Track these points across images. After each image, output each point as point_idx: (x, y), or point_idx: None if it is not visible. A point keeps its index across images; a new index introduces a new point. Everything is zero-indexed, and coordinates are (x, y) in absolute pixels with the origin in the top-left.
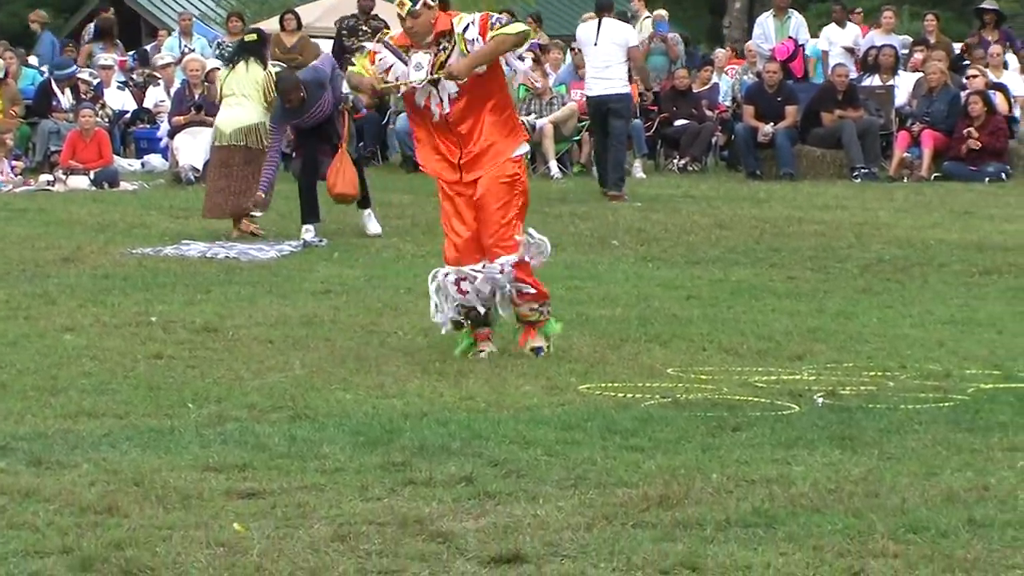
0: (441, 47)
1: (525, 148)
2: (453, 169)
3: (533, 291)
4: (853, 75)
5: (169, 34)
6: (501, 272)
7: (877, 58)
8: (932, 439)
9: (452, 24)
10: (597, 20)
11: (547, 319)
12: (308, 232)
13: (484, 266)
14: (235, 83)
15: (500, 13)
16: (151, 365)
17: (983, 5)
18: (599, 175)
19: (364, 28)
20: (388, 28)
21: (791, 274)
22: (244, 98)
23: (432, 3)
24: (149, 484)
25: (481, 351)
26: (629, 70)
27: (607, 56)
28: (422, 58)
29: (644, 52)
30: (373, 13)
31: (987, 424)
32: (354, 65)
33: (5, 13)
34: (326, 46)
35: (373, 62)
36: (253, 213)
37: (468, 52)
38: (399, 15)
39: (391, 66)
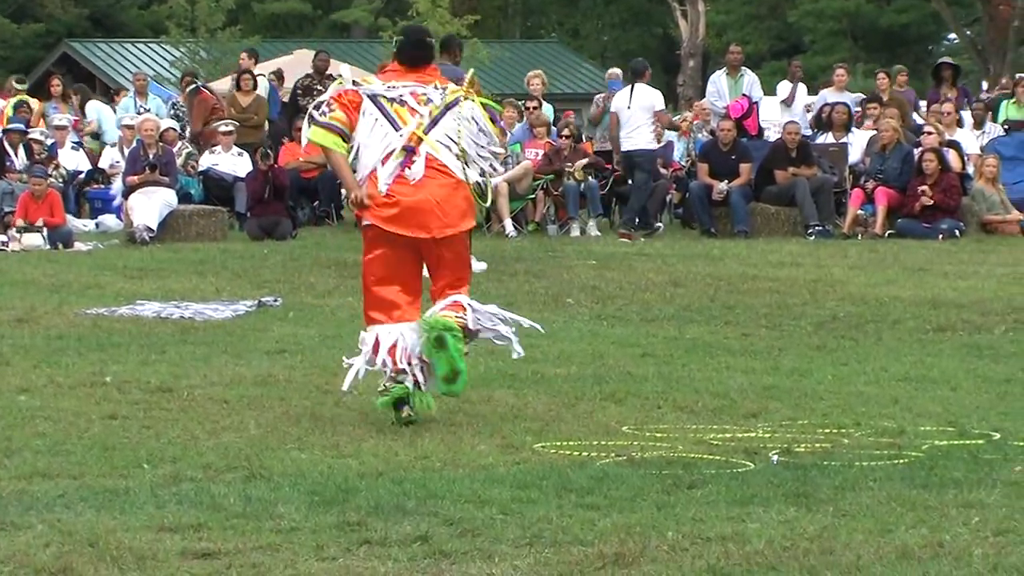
0: None
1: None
2: None
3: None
4: (806, 132)
5: (124, 94)
6: None
7: (830, 116)
8: (887, 496)
9: None
10: (631, 86)
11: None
12: None
13: None
14: None
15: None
16: (106, 426)
17: (942, 60)
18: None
19: (319, 87)
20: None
21: (745, 331)
22: None
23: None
24: (104, 545)
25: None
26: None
27: (637, 118)
28: None
29: (600, 112)
30: (328, 73)
31: (941, 481)
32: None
33: None
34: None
35: None
36: None
37: None
38: None
39: None
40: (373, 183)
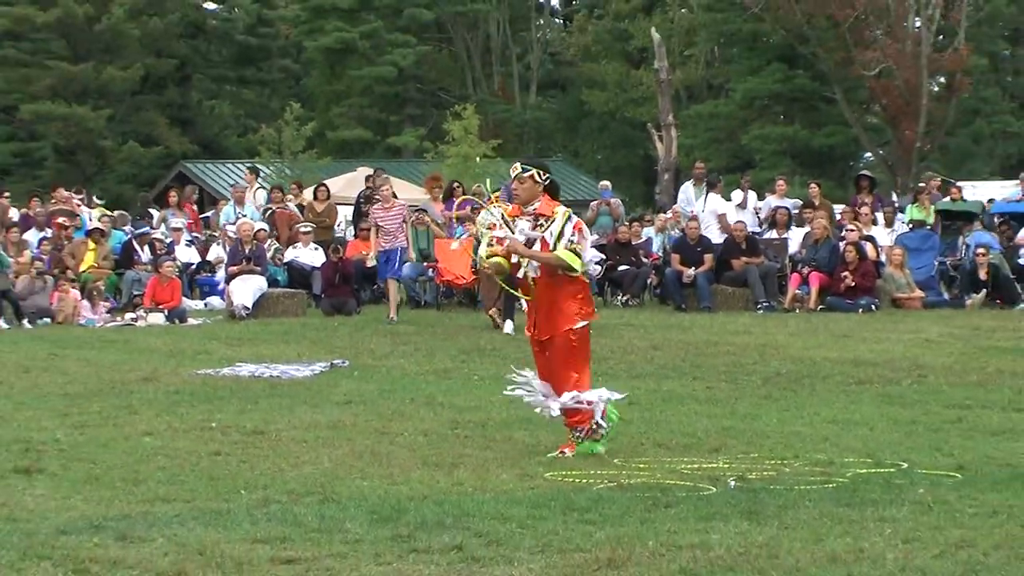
0: (539, 223)
1: (583, 323)
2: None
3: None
4: (755, 229)
5: (225, 203)
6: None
7: (774, 217)
8: (819, 513)
9: (553, 212)
10: (706, 193)
11: (581, 441)
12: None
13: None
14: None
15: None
16: (212, 461)
17: (861, 173)
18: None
19: (377, 196)
20: (395, 196)
21: (709, 385)
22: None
23: (539, 180)
24: (210, 554)
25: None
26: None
27: (707, 219)
28: (525, 226)
29: (593, 216)
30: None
31: (862, 501)
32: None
33: (98, 188)
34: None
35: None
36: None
37: (556, 237)
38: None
39: (504, 236)
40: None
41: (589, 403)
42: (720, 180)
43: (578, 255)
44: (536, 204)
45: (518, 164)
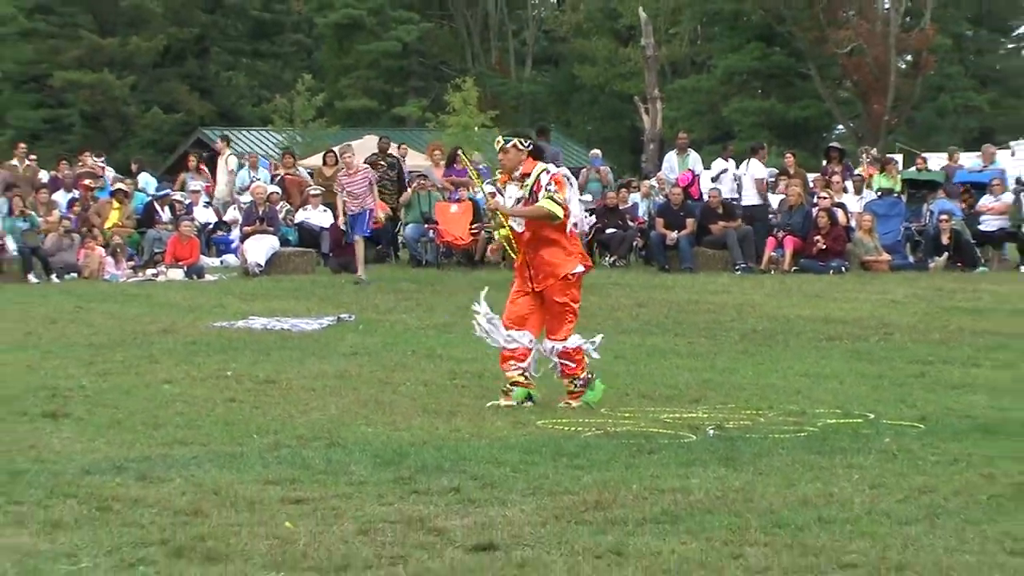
0: (524, 184)
1: (579, 268)
2: (525, 281)
3: (572, 366)
4: (734, 196)
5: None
6: (551, 351)
7: None
8: (792, 460)
9: (532, 170)
10: (748, 160)
11: (583, 391)
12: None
13: (546, 346)
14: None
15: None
16: (227, 407)
17: (830, 144)
18: None
19: (382, 162)
20: (401, 162)
21: (690, 340)
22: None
23: (521, 147)
24: (224, 494)
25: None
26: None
27: (748, 183)
28: (514, 191)
29: (583, 182)
30: (389, 152)
31: (832, 449)
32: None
33: (121, 153)
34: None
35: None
36: None
37: (533, 193)
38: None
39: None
40: (576, 237)
41: (576, 350)
42: (763, 146)
43: (557, 202)
44: (521, 168)
45: (500, 137)
